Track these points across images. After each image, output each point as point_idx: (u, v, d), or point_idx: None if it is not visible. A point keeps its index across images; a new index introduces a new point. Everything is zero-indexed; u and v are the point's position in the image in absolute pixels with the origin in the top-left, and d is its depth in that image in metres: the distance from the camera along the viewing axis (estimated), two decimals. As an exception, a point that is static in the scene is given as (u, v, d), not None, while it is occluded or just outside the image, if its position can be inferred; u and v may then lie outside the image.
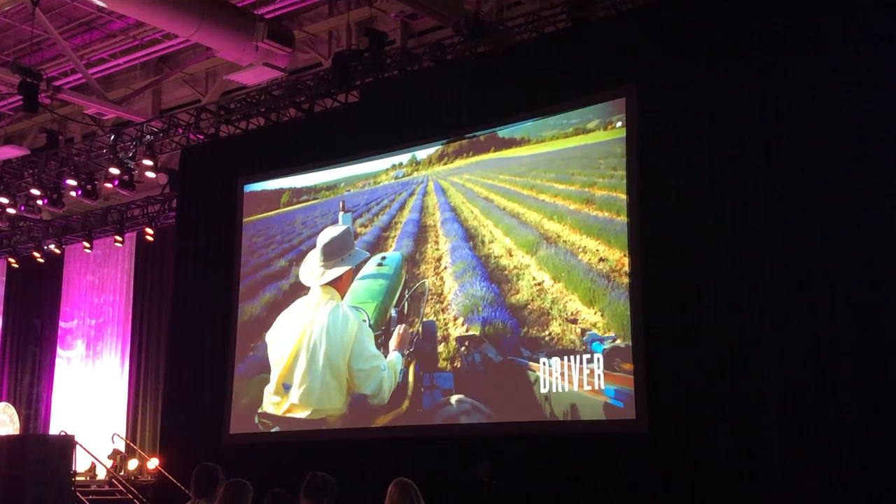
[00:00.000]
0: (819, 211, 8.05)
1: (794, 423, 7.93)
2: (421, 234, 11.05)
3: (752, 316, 8.32)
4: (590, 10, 9.87)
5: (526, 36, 10.39)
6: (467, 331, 10.24)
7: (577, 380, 9.23)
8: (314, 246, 11.91)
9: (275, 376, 11.85)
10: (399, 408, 10.65)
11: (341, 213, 11.87)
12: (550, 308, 9.61)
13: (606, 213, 9.41)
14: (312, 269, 11.87)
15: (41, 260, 16.97)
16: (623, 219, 9.22)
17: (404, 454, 10.30)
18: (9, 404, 17.13)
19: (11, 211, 15.56)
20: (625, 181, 9.25)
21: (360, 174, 11.80)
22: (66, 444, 12.37)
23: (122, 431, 15.87)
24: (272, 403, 11.76)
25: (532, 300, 9.79)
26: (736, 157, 8.59)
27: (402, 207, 11.34)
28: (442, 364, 10.39)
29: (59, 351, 17.80)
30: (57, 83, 13.78)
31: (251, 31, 11.82)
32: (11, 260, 17.55)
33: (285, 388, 11.66)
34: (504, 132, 10.46)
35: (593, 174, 9.65)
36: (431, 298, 10.65)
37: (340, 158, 11.87)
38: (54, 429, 16.73)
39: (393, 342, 10.86)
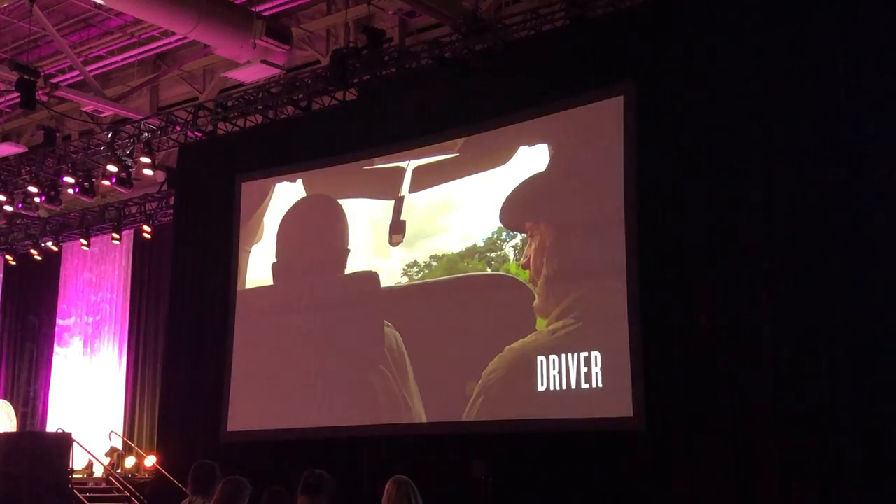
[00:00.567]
0: (819, 210, 8.04)
1: (792, 422, 7.93)
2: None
3: (750, 315, 8.31)
4: (588, 8, 9.86)
5: (524, 34, 10.38)
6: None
7: (574, 378, 9.23)
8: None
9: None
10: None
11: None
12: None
13: (604, 212, 9.38)
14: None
15: (38, 257, 16.95)
16: (621, 217, 9.19)
17: (401, 452, 10.29)
18: (6, 402, 17.08)
19: (9, 208, 15.55)
20: (623, 180, 9.23)
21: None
22: (63, 442, 12.37)
23: (120, 429, 15.85)
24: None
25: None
26: (734, 155, 8.58)
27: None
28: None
29: (56, 348, 17.76)
30: (54, 80, 13.78)
31: (249, 29, 11.79)
32: (9, 257, 17.53)
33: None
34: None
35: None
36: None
37: (338, 156, 11.86)
38: (51, 426, 16.74)
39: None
